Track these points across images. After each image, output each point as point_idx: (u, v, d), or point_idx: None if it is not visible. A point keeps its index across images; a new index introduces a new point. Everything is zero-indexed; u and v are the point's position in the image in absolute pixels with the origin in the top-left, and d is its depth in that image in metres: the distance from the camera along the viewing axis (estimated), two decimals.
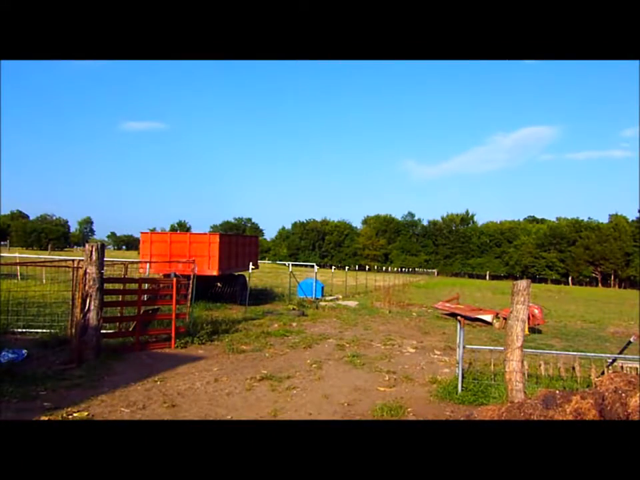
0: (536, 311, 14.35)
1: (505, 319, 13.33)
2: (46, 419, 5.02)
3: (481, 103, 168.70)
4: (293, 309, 16.16)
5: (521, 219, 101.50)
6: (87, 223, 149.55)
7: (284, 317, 14.22)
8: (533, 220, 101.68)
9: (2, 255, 16.35)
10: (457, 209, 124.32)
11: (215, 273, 15.44)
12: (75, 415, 5.29)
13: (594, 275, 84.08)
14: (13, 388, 5.97)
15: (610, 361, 7.36)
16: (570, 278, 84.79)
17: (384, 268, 54.96)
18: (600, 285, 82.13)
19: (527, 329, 9.67)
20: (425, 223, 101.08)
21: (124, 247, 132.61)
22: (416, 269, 73.81)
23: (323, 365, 8.48)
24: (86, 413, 5.36)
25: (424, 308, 20.26)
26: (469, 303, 20.92)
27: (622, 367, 7.17)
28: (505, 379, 5.72)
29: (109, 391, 6.24)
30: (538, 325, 14.71)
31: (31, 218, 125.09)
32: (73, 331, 7.96)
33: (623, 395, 3.63)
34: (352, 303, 19.90)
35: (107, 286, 8.54)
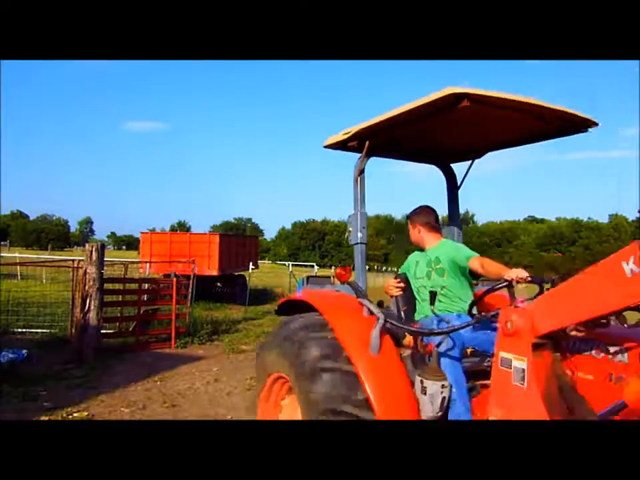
0: None
1: None
2: (46, 419, 5.02)
3: None
4: None
5: (521, 219, 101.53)
6: (87, 223, 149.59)
7: None
8: (532, 220, 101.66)
9: (2, 254, 16.34)
10: None
11: (214, 272, 15.43)
12: (75, 415, 5.28)
13: None
14: (12, 388, 5.97)
15: None
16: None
17: (384, 268, 54.89)
18: None
19: None
20: None
21: (124, 247, 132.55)
22: None
23: None
24: (86, 413, 5.36)
25: None
26: None
27: None
28: None
29: (109, 390, 6.24)
30: None
31: (31, 218, 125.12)
32: (73, 330, 7.96)
33: None
34: None
35: (107, 286, 8.53)
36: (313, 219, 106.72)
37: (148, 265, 15.51)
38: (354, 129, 2.97)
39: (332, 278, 3.92)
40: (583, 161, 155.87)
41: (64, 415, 5.22)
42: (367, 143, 2.98)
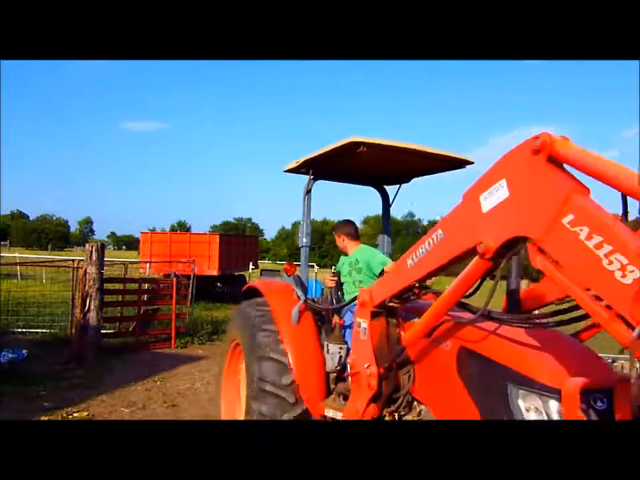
0: None
1: None
2: (46, 419, 5.02)
3: (481, 104, 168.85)
4: None
5: None
6: (87, 223, 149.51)
7: None
8: None
9: (2, 254, 16.32)
10: None
11: (215, 272, 15.43)
12: (75, 415, 5.29)
13: None
14: (12, 388, 5.97)
15: (610, 360, 7.36)
16: None
17: None
18: None
19: None
20: (425, 222, 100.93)
21: (124, 247, 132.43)
22: None
23: None
24: (86, 413, 5.36)
25: None
26: None
27: (622, 367, 7.17)
28: None
29: (109, 390, 6.24)
30: None
31: (31, 218, 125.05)
32: (73, 330, 7.95)
33: None
34: None
35: (107, 286, 8.53)
36: (313, 219, 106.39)
37: (148, 264, 15.51)
38: (301, 159, 3.79)
39: (281, 271, 4.88)
40: None
41: (64, 415, 5.22)
42: (311, 170, 3.84)
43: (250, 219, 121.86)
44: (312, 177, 3.87)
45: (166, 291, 9.94)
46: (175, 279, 9.94)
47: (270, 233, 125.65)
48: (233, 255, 17.11)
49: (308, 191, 3.93)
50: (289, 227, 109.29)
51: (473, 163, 3.52)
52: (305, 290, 3.68)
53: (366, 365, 2.78)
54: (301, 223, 3.91)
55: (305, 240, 3.86)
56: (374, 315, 2.86)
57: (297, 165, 3.88)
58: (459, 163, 3.56)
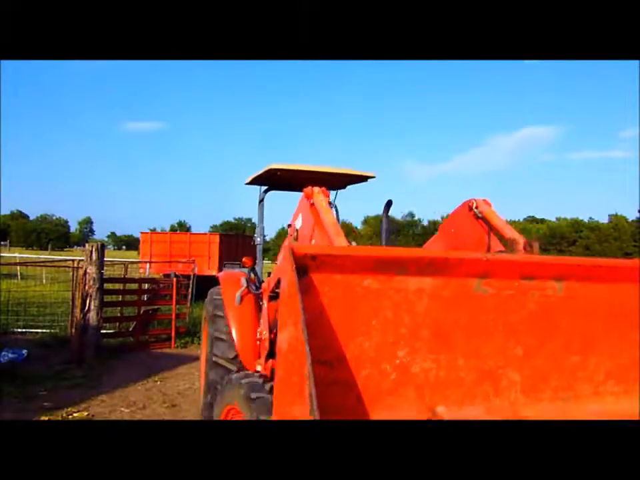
0: None
1: None
2: (46, 419, 5.02)
3: (481, 103, 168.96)
4: None
5: (521, 219, 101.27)
6: (87, 223, 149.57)
7: None
8: (532, 220, 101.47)
9: (2, 254, 16.31)
10: None
11: (214, 272, 15.41)
12: (75, 415, 5.29)
13: None
14: (12, 388, 5.97)
15: None
16: None
17: None
18: None
19: None
20: (425, 222, 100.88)
21: (124, 247, 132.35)
22: None
23: None
24: (86, 413, 5.36)
25: None
26: None
27: None
28: None
29: (109, 391, 6.24)
30: None
31: (31, 218, 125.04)
32: (73, 330, 7.95)
33: None
34: None
35: (107, 286, 8.53)
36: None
37: (148, 264, 15.51)
38: (255, 174, 4.39)
39: (240, 264, 5.61)
40: (583, 161, 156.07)
41: (64, 415, 5.22)
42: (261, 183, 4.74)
43: (250, 219, 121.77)
44: (263, 189, 4.74)
45: (166, 290, 9.94)
46: (174, 279, 9.94)
47: (270, 233, 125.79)
48: (232, 255, 17.08)
49: (260, 201, 4.78)
50: None
51: (374, 177, 4.21)
52: (257, 279, 4.53)
53: (264, 332, 3.87)
54: (257, 226, 4.78)
55: (259, 239, 4.78)
56: (271, 298, 3.83)
57: (251, 179, 4.62)
58: (361, 178, 4.29)
